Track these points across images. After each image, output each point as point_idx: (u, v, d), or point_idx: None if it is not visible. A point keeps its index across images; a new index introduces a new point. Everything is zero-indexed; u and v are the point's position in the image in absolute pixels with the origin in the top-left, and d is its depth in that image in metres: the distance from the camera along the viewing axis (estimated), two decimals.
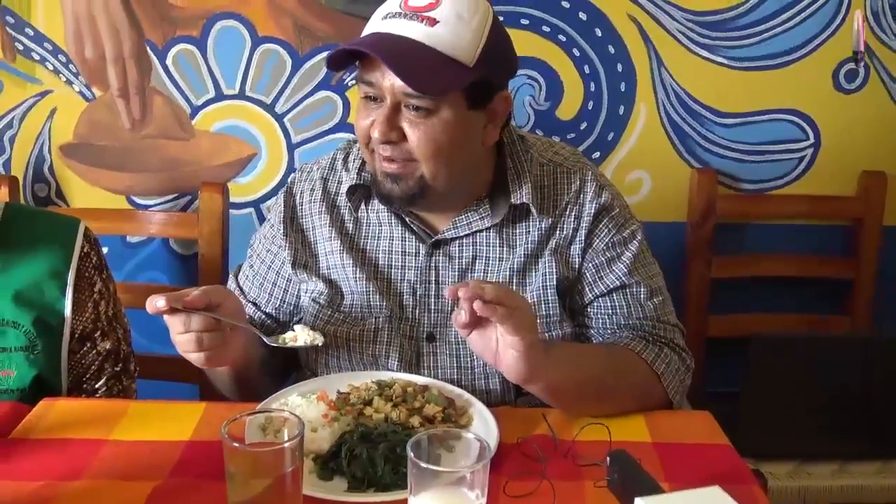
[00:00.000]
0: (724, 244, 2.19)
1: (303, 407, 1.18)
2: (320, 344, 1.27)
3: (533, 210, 1.36)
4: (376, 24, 1.25)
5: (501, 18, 1.30)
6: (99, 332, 1.46)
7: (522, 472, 1.09)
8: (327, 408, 1.19)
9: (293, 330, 1.27)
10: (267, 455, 0.93)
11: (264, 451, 0.94)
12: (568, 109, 2.16)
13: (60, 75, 2.13)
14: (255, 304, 1.47)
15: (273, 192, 2.19)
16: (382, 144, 1.26)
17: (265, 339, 1.27)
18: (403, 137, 1.26)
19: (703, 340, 2.14)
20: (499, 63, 1.28)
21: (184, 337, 1.18)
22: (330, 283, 1.41)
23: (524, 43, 2.06)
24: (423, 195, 1.30)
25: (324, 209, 1.43)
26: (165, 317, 1.17)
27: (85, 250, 1.46)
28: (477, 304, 1.07)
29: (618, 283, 1.37)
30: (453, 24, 1.21)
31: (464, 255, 1.38)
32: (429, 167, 1.27)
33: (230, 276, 1.54)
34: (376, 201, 1.39)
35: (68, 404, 1.31)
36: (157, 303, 1.14)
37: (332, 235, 1.41)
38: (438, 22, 1.21)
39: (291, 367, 1.50)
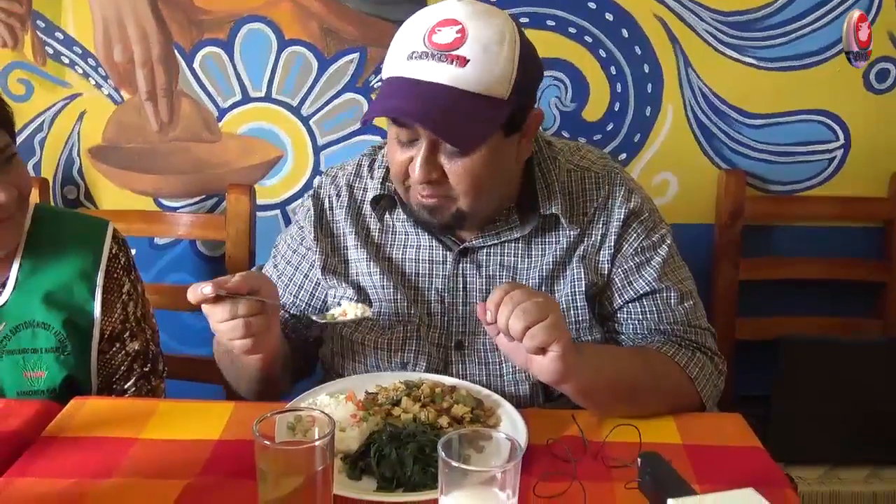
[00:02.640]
0: (752, 246, 2.16)
1: (331, 407, 1.18)
2: (370, 315, 1.26)
3: (563, 221, 1.34)
4: (401, 64, 1.19)
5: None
6: (128, 333, 1.47)
7: (552, 473, 1.08)
8: (356, 408, 1.19)
9: (340, 305, 1.26)
10: (299, 453, 0.93)
11: (296, 449, 0.94)
12: (594, 111, 2.15)
13: (90, 79, 2.15)
14: None
15: (299, 195, 2.20)
16: (422, 184, 1.24)
17: (313, 318, 1.27)
18: (443, 175, 1.23)
19: (732, 343, 2.12)
20: (531, 83, 1.25)
21: (230, 324, 1.15)
22: (359, 289, 1.40)
23: (550, 44, 2.05)
24: (460, 224, 1.31)
25: (350, 217, 1.42)
26: (206, 306, 1.15)
27: (113, 251, 1.47)
28: (504, 344, 1.13)
29: (647, 288, 1.36)
30: (482, 60, 1.16)
31: (491, 262, 1.37)
32: (467, 200, 1.26)
33: None
34: (401, 210, 1.38)
35: (99, 403, 1.32)
36: (203, 289, 1.12)
37: (359, 243, 1.41)
38: (469, 61, 1.16)
39: (309, 369, 1.51)
